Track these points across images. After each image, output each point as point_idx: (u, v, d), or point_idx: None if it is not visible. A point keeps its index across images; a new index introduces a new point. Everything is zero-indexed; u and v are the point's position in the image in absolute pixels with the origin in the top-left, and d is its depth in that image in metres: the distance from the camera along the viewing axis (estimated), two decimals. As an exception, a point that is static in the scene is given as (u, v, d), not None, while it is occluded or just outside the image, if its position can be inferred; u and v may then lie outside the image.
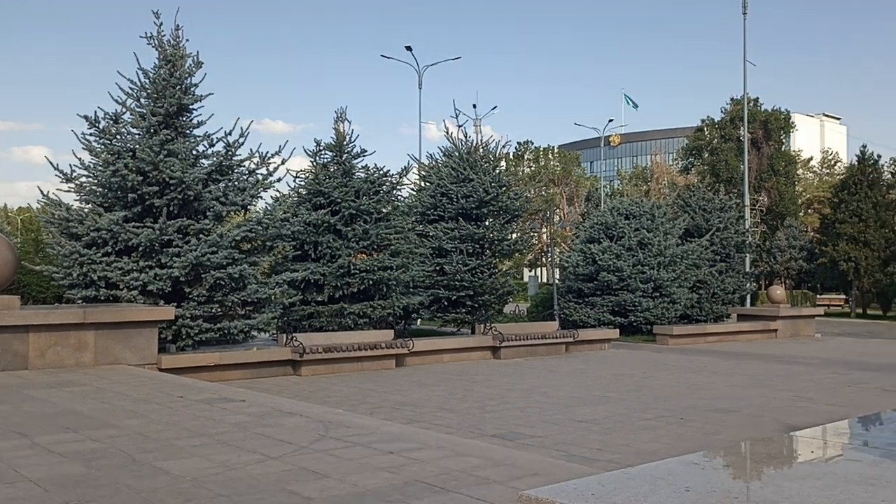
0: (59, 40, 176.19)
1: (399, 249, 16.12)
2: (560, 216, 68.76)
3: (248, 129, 13.66)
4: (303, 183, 16.25)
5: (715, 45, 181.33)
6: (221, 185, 13.28)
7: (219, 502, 4.31)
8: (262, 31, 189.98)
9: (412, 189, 20.51)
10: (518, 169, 68.95)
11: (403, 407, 9.59)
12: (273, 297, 13.25)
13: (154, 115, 12.88)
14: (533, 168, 73.24)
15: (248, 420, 6.78)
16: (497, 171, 19.96)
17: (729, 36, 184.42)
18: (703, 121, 59.24)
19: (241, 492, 4.50)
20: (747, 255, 27.38)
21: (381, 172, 16.60)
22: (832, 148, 79.05)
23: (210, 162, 13.39)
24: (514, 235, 20.56)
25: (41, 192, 12.83)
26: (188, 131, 13.49)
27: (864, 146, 38.19)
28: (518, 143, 73.64)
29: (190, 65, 13.37)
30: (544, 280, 59.12)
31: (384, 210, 16.26)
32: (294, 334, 12.92)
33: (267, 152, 13.73)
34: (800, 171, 60.66)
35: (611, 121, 65.76)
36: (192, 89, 13.40)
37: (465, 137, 19.91)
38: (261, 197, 13.77)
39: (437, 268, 18.07)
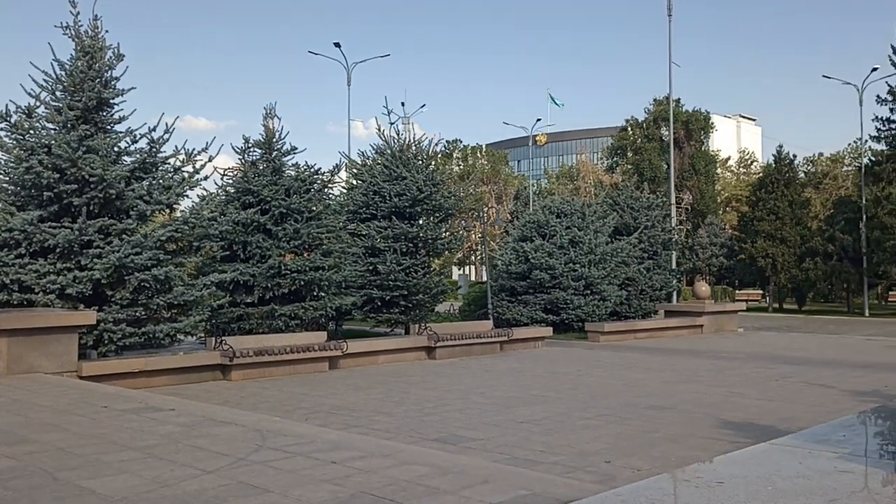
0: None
1: (331, 249, 15.82)
2: (490, 215, 69.25)
3: (173, 125, 13.20)
4: (231, 181, 15.77)
5: (638, 45, 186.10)
6: (145, 183, 12.78)
7: (152, 524, 4.03)
8: (193, 28, 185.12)
9: (344, 187, 20.19)
10: (447, 167, 69.05)
11: (339, 411, 9.33)
12: (201, 299, 12.82)
13: (71, 108, 12.26)
14: (462, 167, 73.55)
15: (178, 430, 6.44)
16: (430, 169, 19.81)
17: (652, 35, 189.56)
18: (627, 121, 60.66)
19: (177, 511, 4.22)
20: (673, 252, 28.06)
21: (312, 170, 16.25)
22: (748, 148, 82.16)
23: (133, 159, 12.94)
24: (447, 234, 20.48)
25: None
26: (109, 127, 12.94)
27: (781, 146, 39.71)
28: (447, 141, 73.82)
29: (110, 57, 12.81)
30: (474, 278, 59.33)
31: (315, 209, 15.89)
32: (223, 337, 12.48)
33: (193, 149, 13.30)
34: (719, 171, 62.68)
35: (538, 120, 66.52)
36: (112, 83, 12.84)
37: (398, 135, 19.74)
38: (187, 196, 13.33)
39: (371, 267, 17.82)
